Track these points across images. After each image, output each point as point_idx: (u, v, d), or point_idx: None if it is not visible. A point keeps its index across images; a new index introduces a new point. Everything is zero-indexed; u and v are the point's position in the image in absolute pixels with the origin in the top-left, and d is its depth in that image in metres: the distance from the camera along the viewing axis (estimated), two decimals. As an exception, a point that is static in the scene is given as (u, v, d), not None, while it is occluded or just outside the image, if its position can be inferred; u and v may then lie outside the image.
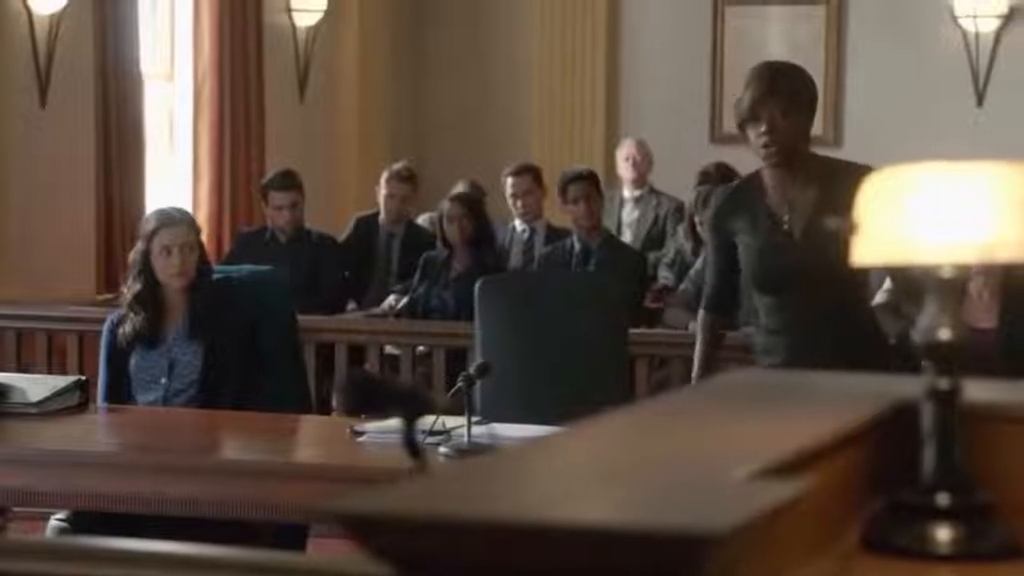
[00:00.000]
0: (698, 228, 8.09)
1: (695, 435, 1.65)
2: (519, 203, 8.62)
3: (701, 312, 4.98)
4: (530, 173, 8.71)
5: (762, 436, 1.60)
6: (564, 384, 5.45)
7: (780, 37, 11.44)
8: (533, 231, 8.62)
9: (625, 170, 9.72)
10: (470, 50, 11.95)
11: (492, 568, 1.29)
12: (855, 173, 4.23)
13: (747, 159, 9.94)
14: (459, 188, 9.05)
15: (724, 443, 1.58)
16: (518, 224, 8.70)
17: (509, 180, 8.65)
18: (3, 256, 8.23)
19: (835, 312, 4.57)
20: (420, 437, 1.88)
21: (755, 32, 11.50)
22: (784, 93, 4.52)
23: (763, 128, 4.51)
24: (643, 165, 9.71)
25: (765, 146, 4.53)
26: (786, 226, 4.62)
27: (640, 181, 9.67)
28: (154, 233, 5.22)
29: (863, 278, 4.67)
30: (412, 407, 1.68)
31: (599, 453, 1.57)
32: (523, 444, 1.51)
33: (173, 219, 5.27)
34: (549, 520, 1.27)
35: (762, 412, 1.76)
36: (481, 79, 11.91)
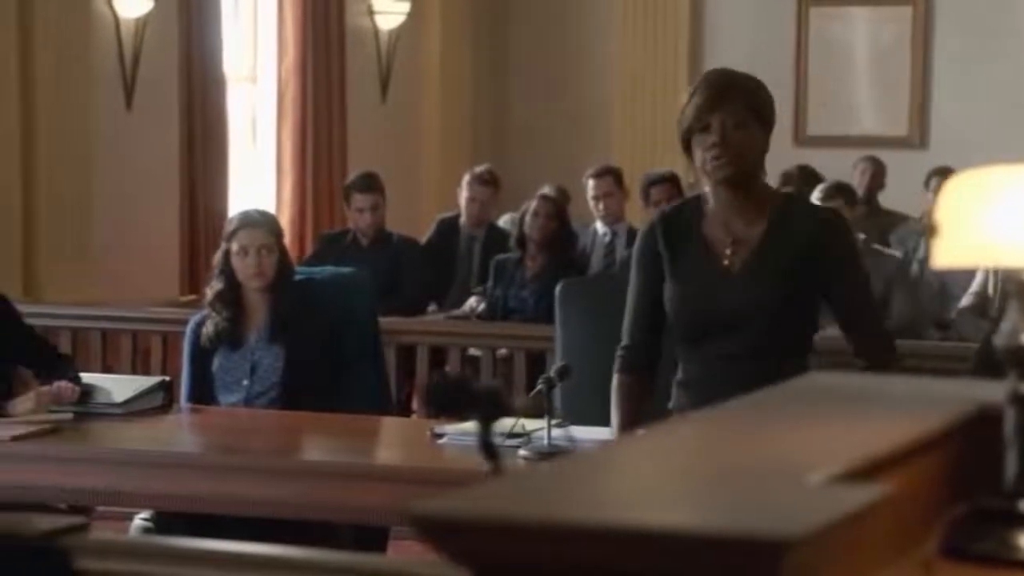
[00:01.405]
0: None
1: (774, 438, 1.63)
2: (600, 205, 8.61)
3: (616, 377, 4.12)
4: (611, 175, 8.69)
5: (842, 440, 1.58)
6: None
7: (865, 38, 11.36)
8: (615, 234, 8.61)
9: (709, 172, 9.65)
10: (552, 51, 11.95)
11: (566, 571, 1.28)
12: (817, 216, 3.99)
13: (832, 163, 9.95)
14: (545, 190, 9.06)
15: (803, 447, 1.57)
16: (599, 227, 8.68)
17: (591, 182, 8.64)
18: (89, 258, 8.32)
19: (765, 368, 3.56)
20: (498, 440, 1.88)
21: (839, 34, 11.43)
22: (739, 101, 3.84)
23: (712, 138, 3.79)
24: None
25: (715, 158, 3.80)
26: (725, 260, 3.88)
27: (722, 183, 9.61)
28: (233, 234, 5.26)
29: (808, 328, 3.94)
30: (490, 409, 1.68)
31: (676, 457, 1.56)
32: (601, 447, 1.50)
33: (252, 220, 5.30)
34: (623, 523, 1.27)
35: (843, 416, 1.74)
36: (563, 81, 11.90)
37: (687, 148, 3.88)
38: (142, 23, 8.82)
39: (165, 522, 5.00)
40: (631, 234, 8.57)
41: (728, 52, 11.63)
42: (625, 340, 4.10)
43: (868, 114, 11.39)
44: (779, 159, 10.06)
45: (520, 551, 1.30)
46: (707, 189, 3.94)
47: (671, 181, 7.97)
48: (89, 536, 2.27)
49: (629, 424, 4.01)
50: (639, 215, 8.76)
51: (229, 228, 5.31)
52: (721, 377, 3.79)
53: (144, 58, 8.83)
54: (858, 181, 9.55)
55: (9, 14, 7.96)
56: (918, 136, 10.98)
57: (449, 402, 1.89)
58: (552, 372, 4.48)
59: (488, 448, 1.70)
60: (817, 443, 1.59)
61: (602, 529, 1.27)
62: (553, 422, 4.38)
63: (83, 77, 8.38)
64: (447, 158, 11.07)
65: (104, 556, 2.24)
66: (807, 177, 8.47)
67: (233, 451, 4.88)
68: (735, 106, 3.81)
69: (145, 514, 5.10)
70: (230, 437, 5.07)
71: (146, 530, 5.06)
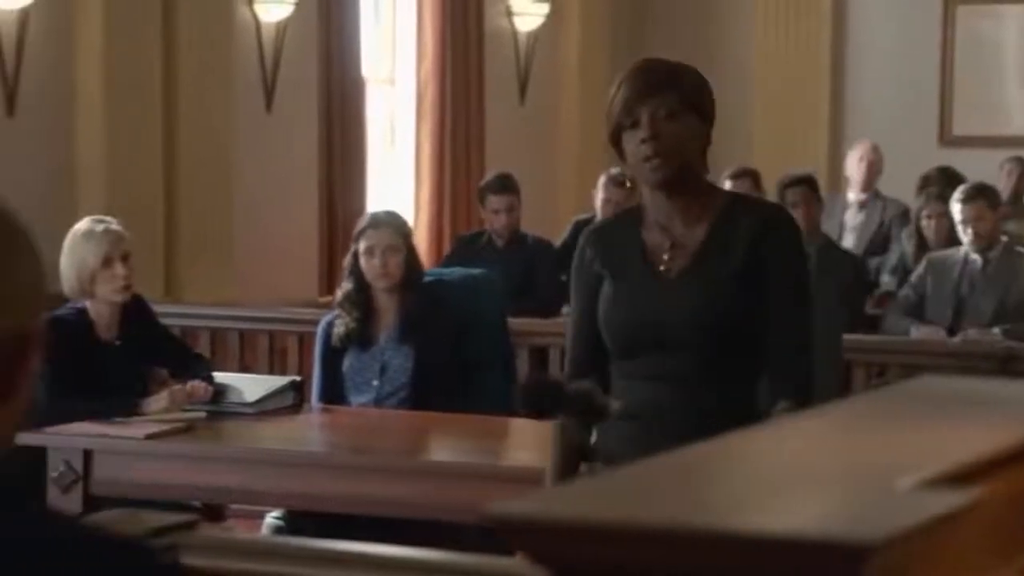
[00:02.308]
0: (924, 232, 7.93)
1: (873, 440, 1.60)
2: (737, 206, 8.52)
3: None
4: (749, 176, 8.62)
5: (942, 443, 1.54)
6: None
7: (1017, 36, 11.14)
8: (751, 235, 8.52)
9: (856, 171, 9.50)
10: (691, 52, 11.82)
11: (644, 573, 1.26)
12: (761, 214, 3.46)
13: (979, 164, 9.77)
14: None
15: (900, 450, 1.53)
16: (736, 228, 8.60)
17: (727, 184, 8.57)
18: (229, 259, 8.43)
19: (699, 396, 3.31)
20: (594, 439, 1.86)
21: (988, 31, 11.22)
22: (670, 91, 3.37)
23: (643, 133, 3.33)
24: (876, 168, 9.50)
25: (646, 158, 3.34)
26: (663, 267, 3.43)
27: (869, 184, 9.48)
28: (361, 235, 5.30)
29: (756, 348, 3.40)
30: (586, 410, 1.66)
31: (765, 459, 1.53)
32: (696, 449, 1.48)
33: (378, 221, 5.33)
34: (702, 526, 1.24)
35: (947, 419, 1.70)
36: (703, 81, 11.82)
37: (617, 146, 3.43)
38: (282, 27, 8.93)
39: (296, 521, 5.05)
40: (769, 236, 8.49)
41: (871, 51, 11.49)
42: (570, 361, 3.55)
43: (1018, 114, 11.17)
44: (923, 160, 9.94)
45: (598, 553, 1.28)
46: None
47: (807, 183, 7.87)
48: (197, 533, 2.29)
49: (565, 466, 3.30)
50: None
51: (357, 229, 5.36)
52: (652, 406, 3.29)
53: (284, 61, 8.93)
54: (1004, 183, 9.38)
55: (154, 19, 8.10)
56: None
57: (542, 402, 1.86)
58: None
59: (584, 448, 1.68)
60: (916, 446, 1.55)
61: (681, 532, 1.25)
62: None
63: (224, 80, 8.49)
64: (584, 160, 11.05)
65: (211, 554, 2.26)
66: (948, 179, 8.33)
67: (363, 451, 4.91)
68: (666, 96, 3.35)
69: (277, 513, 5.16)
70: (360, 437, 5.10)
71: (278, 529, 5.11)
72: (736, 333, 3.34)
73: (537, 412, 1.98)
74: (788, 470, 1.47)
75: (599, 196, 8.75)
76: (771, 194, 8.39)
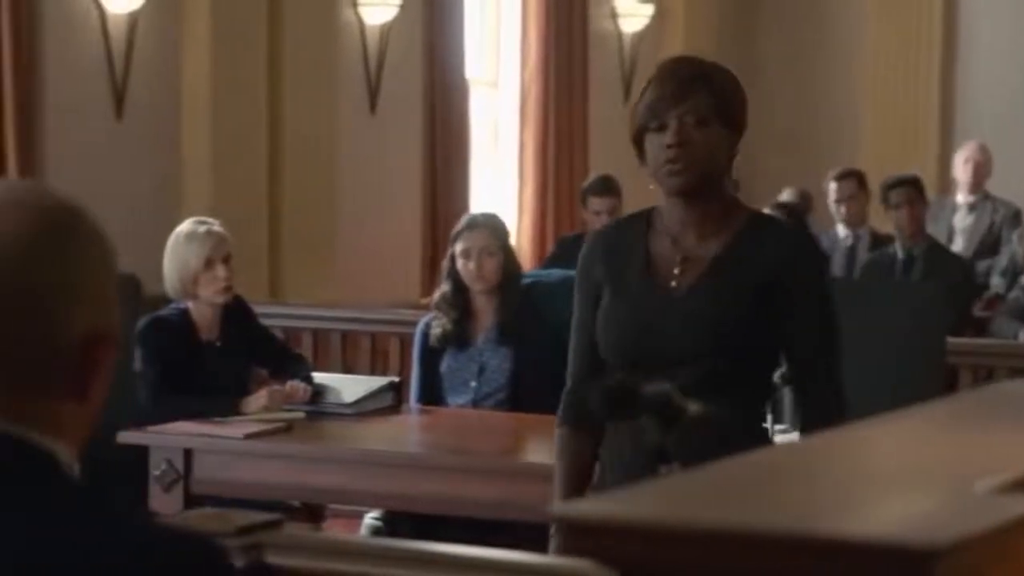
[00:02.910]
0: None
1: (957, 443, 1.57)
2: (842, 208, 8.46)
3: (556, 430, 3.43)
4: (854, 178, 8.53)
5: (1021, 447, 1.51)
6: (880, 394, 5.29)
7: None
8: (857, 237, 8.44)
9: (963, 173, 9.38)
10: (798, 53, 11.78)
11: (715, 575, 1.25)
12: (784, 238, 3.26)
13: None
14: (785, 196, 8.94)
15: (983, 452, 1.50)
16: (841, 230, 8.52)
17: (832, 185, 8.50)
18: (333, 260, 8.48)
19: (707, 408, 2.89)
20: (665, 441, 1.84)
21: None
22: (703, 96, 3.17)
23: (668, 139, 3.13)
24: (983, 169, 9.36)
25: (669, 161, 3.15)
26: (673, 282, 3.22)
27: (977, 186, 9.34)
28: (458, 237, 5.31)
29: (765, 374, 3.26)
30: (664, 411, 1.64)
31: (847, 461, 1.51)
32: (774, 451, 1.46)
33: (475, 223, 5.34)
34: (768, 528, 1.22)
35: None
36: (811, 82, 11.73)
37: (639, 148, 3.23)
38: (387, 29, 8.97)
39: (394, 522, 5.06)
40: (874, 238, 8.40)
41: (982, 49, 11.32)
42: (568, 384, 3.41)
43: None
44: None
45: (668, 555, 1.27)
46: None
47: (912, 184, 7.78)
48: (282, 532, 2.29)
49: (570, 484, 3.30)
50: (884, 220, 8.58)
51: (454, 231, 5.38)
52: (620, 434, 3.10)
53: (388, 63, 8.97)
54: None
55: (259, 23, 8.17)
56: None
57: (621, 403, 1.84)
58: (776, 377, 4.39)
59: (660, 450, 1.65)
60: (1000, 449, 1.52)
61: (752, 534, 1.23)
62: (780, 427, 4.30)
63: (329, 83, 8.55)
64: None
65: (296, 553, 2.26)
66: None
67: (460, 452, 4.90)
68: (697, 101, 3.15)
69: (376, 513, 5.17)
70: (457, 438, 5.09)
71: (376, 530, 5.13)
72: (741, 354, 3.16)
73: (616, 413, 1.95)
74: (867, 472, 1.44)
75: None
76: (875, 195, 8.31)
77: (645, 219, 3.31)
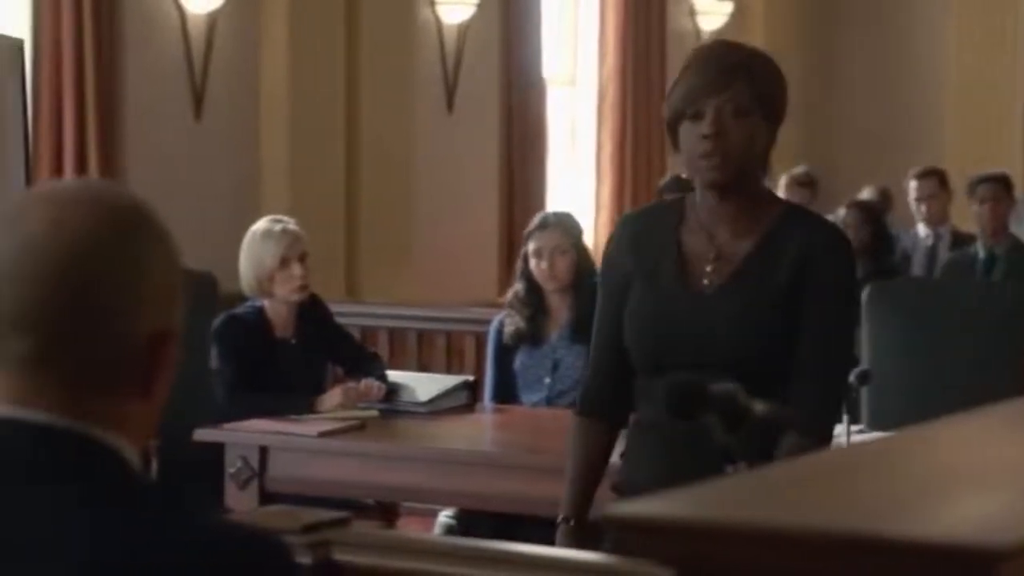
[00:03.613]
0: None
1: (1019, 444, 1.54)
2: (923, 207, 8.38)
3: (573, 419, 3.33)
4: (936, 176, 8.45)
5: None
6: (960, 395, 5.23)
7: None
8: (938, 236, 8.36)
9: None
10: (880, 52, 11.69)
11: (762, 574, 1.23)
12: (813, 232, 3.09)
13: None
14: (865, 194, 8.87)
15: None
16: (922, 229, 8.44)
17: (913, 183, 8.42)
18: (410, 260, 8.51)
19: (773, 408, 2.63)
20: (731, 440, 1.83)
21: None
22: (742, 84, 3.00)
23: (705, 129, 2.98)
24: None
25: (704, 155, 3.00)
26: (705, 279, 3.09)
27: (1067, 183, 9.22)
28: (530, 236, 5.32)
29: (776, 371, 3.02)
30: (730, 410, 1.63)
31: (913, 461, 1.48)
32: (842, 451, 1.44)
33: (547, 223, 5.33)
34: (827, 528, 1.21)
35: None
36: (892, 79, 11.63)
37: (673, 135, 3.07)
38: (464, 28, 8.98)
39: (469, 520, 5.06)
40: (955, 237, 8.31)
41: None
42: (590, 379, 3.28)
43: None
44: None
45: (723, 554, 1.25)
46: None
47: (1000, 181, 7.69)
48: (350, 530, 2.29)
49: (580, 476, 3.26)
50: (965, 219, 8.49)
51: (527, 230, 5.38)
52: (674, 436, 3.01)
53: (465, 62, 8.98)
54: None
55: (337, 23, 8.20)
56: None
57: (687, 403, 1.83)
58: (851, 377, 4.36)
59: (727, 450, 1.64)
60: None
61: (807, 534, 1.21)
62: (855, 428, 4.27)
63: (406, 82, 8.57)
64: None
65: (363, 551, 2.26)
66: None
67: (534, 451, 4.88)
68: (736, 90, 2.98)
69: (449, 512, 5.17)
70: (531, 437, 5.08)
71: (449, 528, 5.13)
72: (777, 354, 3.01)
73: (682, 412, 1.94)
74: (935, 472, 1.42)
75: (781, 196, 8.59)
76: (960, 194, 8.23)
77: (677, 210, 3.16)
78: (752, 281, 3.05)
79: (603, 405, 3.22)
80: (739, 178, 3.03)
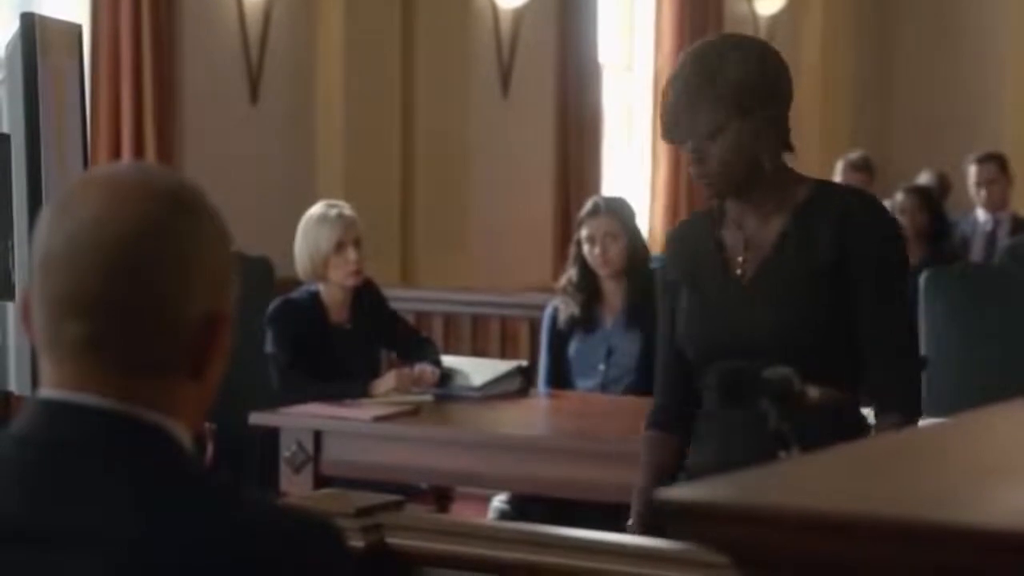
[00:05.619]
0: None
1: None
2: (983, 192, 8.31)
3: (644, 433, 3.31)
4: (996, 161, 8.38)
5: None
6: (1015, 383, 5.19)
7: None
8: (997, 222, 8.29)
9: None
10: (938, 40, 11.60)
11: (819, 562, 1.22)
12: (843, 202, 3.06)
13: None
14: (922, 178, 8.81)
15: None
16: (981, 214, 8.37)
17: (973, 168, 8.35)
18: (465, 245, 8.51)
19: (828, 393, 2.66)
20: (785, 426, 1.81)
21: None
22: (707, 107, 2.95)
23: (688, 157, 3.02)
24: None
25: (697, 177, 3.03)
26: (739, 270, 3.09)
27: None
28: (583, 222, 5.30)
29: (851, 358, 3.03)
30: (784, 396, 1.62)
31: (969, 448, 1.47)
32: (894, 436, 1.42)
33: (599, 209, 5.31)
34: (873, 514, 1.20)
35: None
36: (951, 63, 11.54)
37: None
38: (520, 13, 8.97)
39: (522, 505, 5.06)
40: (1015, 222, 8.24)
41: None
42: (656, 398, 3.30)
43: None
44: None
45: (779, 541, 1.24)
46: None
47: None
48: (402, 514, 2.30)
49: (650, 487, 3.18)
50: (1024, 202, 8.43)
51: (580, 216, 5.36)
52: (729, 422, 2.99)
53: (521, 47, 8.97)
54: None
55: (392, 5, 8.21)
56: None
57: (740, 389, 1.82)
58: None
59: (778, 434, 1.63)
60: None
61: (863, 521, 1.20)
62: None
63: (461, 67, 8.57)
64: (826, 144, 10.88)
65: (415, 534, 2.26)
66: None
67: (588, 436, 4.88)
68: (704, 116, 2.95)
69: (504, 496, 5.17)
70: (585, 422, 5.07)
71: (503, 513, 5.13)
72: (824, 338, 2.99)
73: (735, 398, 1.93)
74: (991, 460, 1.41)
75: (837, 181, 8.58)
76: (1020, 179, 8.16)
77: (716, 212, 3.15)
78: (786, 264, 3.04)
79: (671, 422, 3.23)
80: (739, 185, 3.02)
